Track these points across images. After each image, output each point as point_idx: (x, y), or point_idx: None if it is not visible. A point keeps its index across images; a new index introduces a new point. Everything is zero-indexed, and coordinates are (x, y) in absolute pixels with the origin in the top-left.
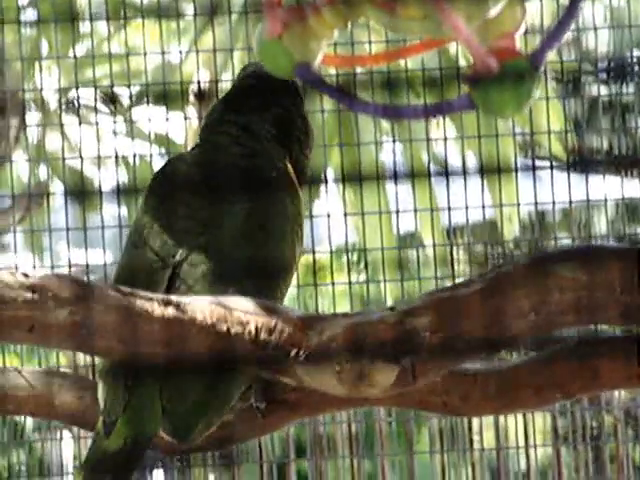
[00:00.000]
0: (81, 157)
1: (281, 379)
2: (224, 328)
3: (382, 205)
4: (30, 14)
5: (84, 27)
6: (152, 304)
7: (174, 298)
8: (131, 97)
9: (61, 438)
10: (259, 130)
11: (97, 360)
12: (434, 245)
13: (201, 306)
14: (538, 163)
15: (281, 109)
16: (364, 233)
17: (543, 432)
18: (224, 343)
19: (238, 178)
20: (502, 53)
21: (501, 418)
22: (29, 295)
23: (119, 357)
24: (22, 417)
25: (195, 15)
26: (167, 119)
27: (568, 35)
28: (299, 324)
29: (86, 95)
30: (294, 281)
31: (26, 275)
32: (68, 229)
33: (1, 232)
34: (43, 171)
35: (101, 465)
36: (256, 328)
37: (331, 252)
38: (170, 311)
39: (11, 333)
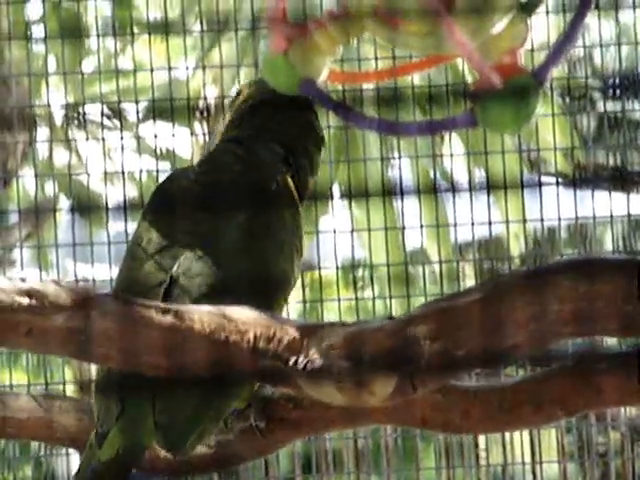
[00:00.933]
0: (87, 173)
1: (281, 389)
2: (222, 337)
3: (389, 221)
4: (38, 30)
5: (91, 43)
6: (150, 312)
7: (173, 306)
8: (138, 113)
9: (67, 453)
10: (261, 146)
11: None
12: (440, 262)
13: (200, 314)
14: (544, 179)
15: (288, 125)
16: (370, 249)
17: (549, 448)
18: (222, 352)
19: (237, 193)
20: (505, 69)
21: (507, 434)
22: (26, 300)
23: (117, 365)
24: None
25: (202, 32)
26: (173, 135)
27: (576, 51)
28: (298, 333)
29: (93, 111)
30: (300, 296)
31: (23, 280)
32: (75, 244)
33: (9, 248)
34: (50, 187)
35: (93, 476)
36: (255, 337)
37: (337, 268)
38: (169, 319)
39: (8, 337)
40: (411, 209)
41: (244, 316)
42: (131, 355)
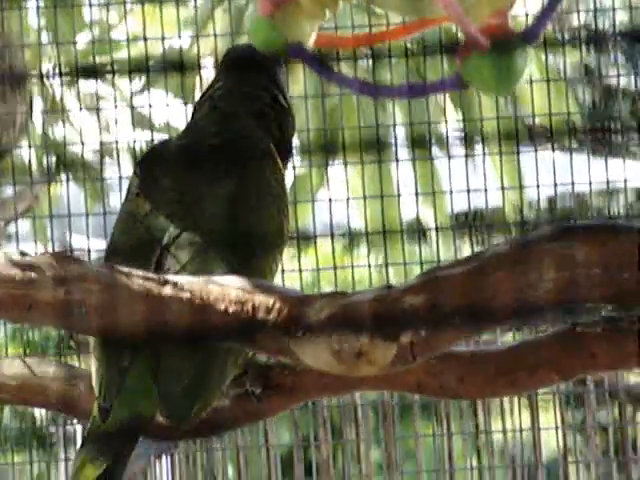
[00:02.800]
0: (82, 142)
1: (278, 359)
2: (222, 307)
3: (385, 188)
4: (32, 2)
5: (85, 15)
6: (149, 283)
7: (171, 277)
8: (134, 83)
9: (75, 432)
10: (242, 113)
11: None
12: (437, 228)
13: (199, 286)
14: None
15: (262, 93)
16: (366, 217)
17: (548, 417)
18: (221, 322)
19: (222, 159)
20: (493, 30)
21: (507, 404)
22: (23, 273)
23: (115, 336)
24: (38, 411)
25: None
26: (167, 105)
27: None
28: (296, 303)
29: (88, 82)
30: (296, 266)
31: (23, 255)
32: (70, 215)
33: (6, 222)
34: (49, 160)
35: (98, 449)
36: (253, 307)
37: (332, 235)
38: (167, 290)
39: (11, 312)
40: (407, 176)
41: (242, 286)
42: (129, 327)
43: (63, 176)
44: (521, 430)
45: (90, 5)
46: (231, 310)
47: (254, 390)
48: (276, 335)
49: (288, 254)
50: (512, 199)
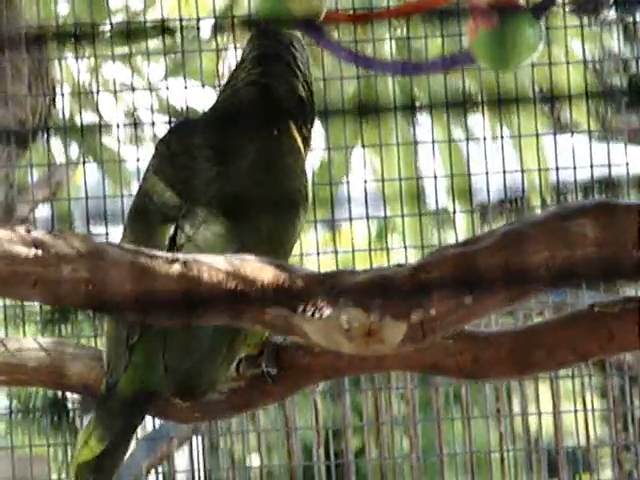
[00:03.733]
0: (100, 127)
1: (289, 337)
2: (232, 285)
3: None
4: None
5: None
6: (158, 261)
7: (180, 256)
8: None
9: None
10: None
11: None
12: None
13: (208, 263)
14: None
15: (285, 74)
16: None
17: (569, 400)
18: (230, 300)
19: (237, 133)
20: (502, 6)
21: (528, 388)
22: (33, 251)
23: (124, 315)
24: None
25: None
26: (185, 87)
27: None
28: (307, 281)
29: (113, 70)
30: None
31: (29, 231)
32: (88, 199)
33: (31, 208)
34: (70, 147)
35: (103, 424)
36: (263, 285)
37: (367, 217)
38: (176, 268)
39: (16, 289)
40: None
41: (252, 264)
42: (139, 305)
43: (86, 162)
44: (540, 414)
45: None
46: (240, 288)
47: (270, 370)
48: (285, 313)
49: (323, 237)
50: (540, 183)
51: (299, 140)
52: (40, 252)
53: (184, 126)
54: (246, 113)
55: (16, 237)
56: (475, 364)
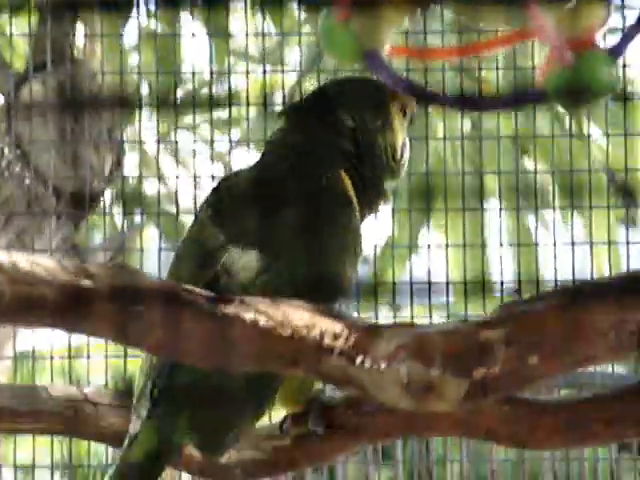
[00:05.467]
0: (177, 203)
1: (344, 391)
2: (288, 332)
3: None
4: (134, 58)
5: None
6: (201, 299)
7: (232, 297)
8: (230, 142)
9: None
10: (315, 147)
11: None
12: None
13: (262, 307)
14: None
15: (341, 128)
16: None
17: None
18: (286, 347)
19: (284, 190)
20: (580, 45)
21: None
22: (86, 282)
23: (166, 355)
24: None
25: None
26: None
27: None
28: (365, 331)
29: (184, 140)
30: None
31: (65, 261)
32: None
33: None
34: (137, 215)
35: (127, 475)
36: (321, 333)
37: (429, 295)
38: (231, 309)
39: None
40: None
41: (308, 311)
42: (183, 347)
43: (151, 229)
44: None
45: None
46: (297, 335)
47: (317, 430)
48: (343, 363)
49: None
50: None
51: (349, 186)
52: (90, 282)
53: (234, 178)
54: (296, 171)
55: (53, 265)
56: (530, 433)
